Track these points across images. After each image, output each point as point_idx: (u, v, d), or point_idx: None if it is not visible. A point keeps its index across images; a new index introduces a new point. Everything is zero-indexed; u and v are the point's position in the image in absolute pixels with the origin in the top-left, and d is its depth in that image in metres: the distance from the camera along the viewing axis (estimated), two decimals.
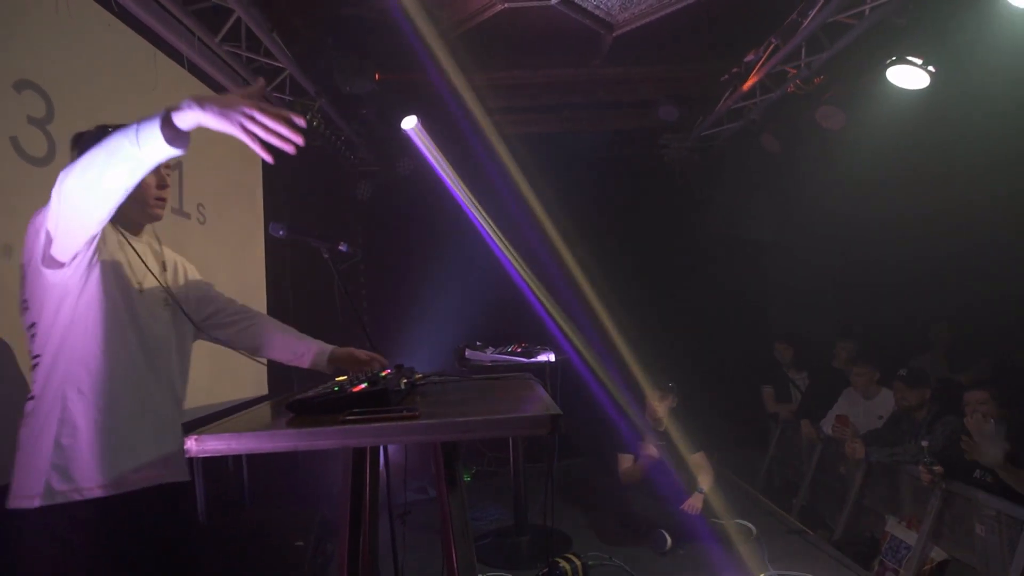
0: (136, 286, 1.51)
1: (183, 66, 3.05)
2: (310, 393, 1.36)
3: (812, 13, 3.54)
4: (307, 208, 4.78)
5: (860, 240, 4.82)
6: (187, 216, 3.09)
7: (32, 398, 1.40)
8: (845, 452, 3.63)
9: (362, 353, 1.73)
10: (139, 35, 2.71)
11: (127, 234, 1.55)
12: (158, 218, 1.60)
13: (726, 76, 4.66)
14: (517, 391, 1.57)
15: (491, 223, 5.40)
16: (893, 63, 3.43)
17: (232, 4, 3.00)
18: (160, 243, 1.67)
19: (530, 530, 3.58)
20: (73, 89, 2.26)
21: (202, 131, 1.24)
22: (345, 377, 1.64)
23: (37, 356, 1.41)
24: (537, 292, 5.22)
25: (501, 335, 3.67)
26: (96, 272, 1.40)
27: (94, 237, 1.36)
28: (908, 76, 3.45)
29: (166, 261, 1.64)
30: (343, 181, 5.61)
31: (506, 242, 5.38)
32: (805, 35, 3.70)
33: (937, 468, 2.96)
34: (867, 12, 3.34)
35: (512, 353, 3.31)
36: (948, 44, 3.17)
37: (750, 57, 4.32)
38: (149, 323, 1.52)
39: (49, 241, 1.33)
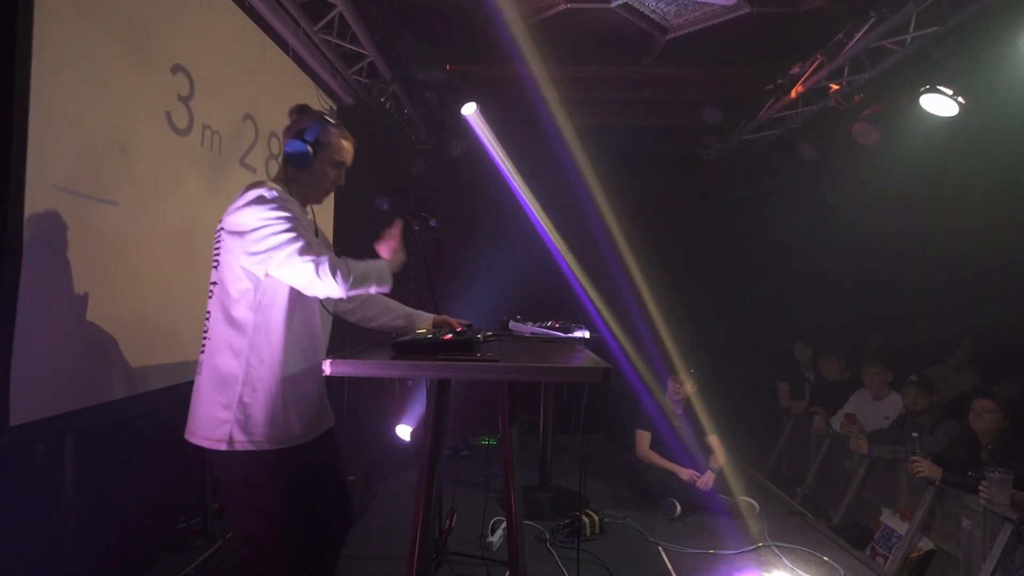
0: None
1: (287, 54, 3.41)
2: (407, 338, 1.69)
3: (857, 35, 3.71)
4: (372, 182, 5.10)
5: (881, 250, 4.93)
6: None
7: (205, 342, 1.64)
8: (850, 447, 3.85)
9: (454, 321, 2.07)
10: (256, 24, 3.07)
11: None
12: (321, 202, 1.84)
13: (771, 85, 4.80)
14: (569, 351, 1.92)
15: (536, 205, 5.62)
16: (926, 91, 3.60)
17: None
18: (314, 216, 1.85)
19: (553, 489, 3.90)
20: (208, 71, 2.64)
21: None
22: (424, 330, 2.00)
23: (210, 312, 1.64)
24: (576, 272, 5.49)
25: (539, 311, 3.89)
26: None
27: None
28: (939, 104, 3.62)
29: (318, 231, 1.81)
30: (401, 158, 5.88)
31: (549, 223, 5.60)
32: (849, 56, 3.87)
33: (922, 461, 3.20)
34: (909, 40, 3.52)
35: (550, 328, 3.55)
36: (979, 78, 3.34)
37: (796, 70, 4.47)
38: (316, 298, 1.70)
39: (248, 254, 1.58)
